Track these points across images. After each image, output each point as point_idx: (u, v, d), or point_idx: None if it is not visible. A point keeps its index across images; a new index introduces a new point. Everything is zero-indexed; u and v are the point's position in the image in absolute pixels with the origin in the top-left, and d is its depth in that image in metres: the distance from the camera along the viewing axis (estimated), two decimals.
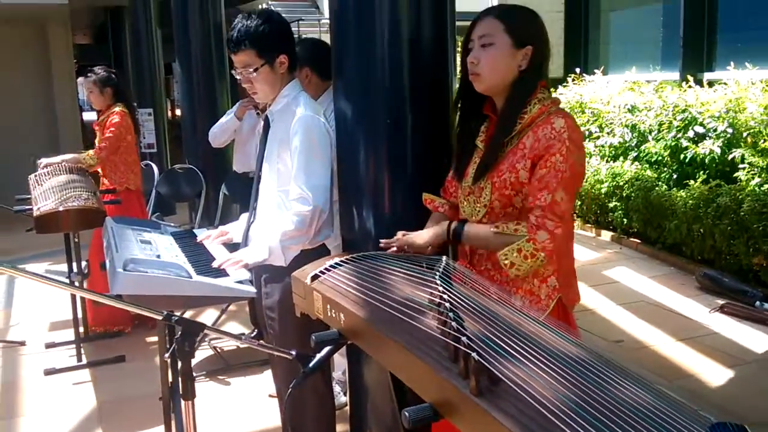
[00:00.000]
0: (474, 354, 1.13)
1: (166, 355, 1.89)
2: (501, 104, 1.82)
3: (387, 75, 2.18)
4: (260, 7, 14.64)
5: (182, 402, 1.69)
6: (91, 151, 4.26)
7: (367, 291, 1.55)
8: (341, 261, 1.84)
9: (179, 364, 1.57)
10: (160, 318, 1.42)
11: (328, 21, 14.79)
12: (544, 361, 1.15)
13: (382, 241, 1.97)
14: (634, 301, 4.63)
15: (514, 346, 1.20)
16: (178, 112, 20.52)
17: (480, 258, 1.90)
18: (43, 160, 4.16)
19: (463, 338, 1.18)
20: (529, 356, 1.16)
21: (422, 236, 1.89)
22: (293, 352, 1.63)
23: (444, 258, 1.70)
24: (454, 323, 1.25)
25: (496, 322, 1.30)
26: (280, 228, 2.19)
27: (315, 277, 1.77)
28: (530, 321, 1.34)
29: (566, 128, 1.70)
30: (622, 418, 0.99)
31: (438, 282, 1.47)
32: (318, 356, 1.63)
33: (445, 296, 1.38)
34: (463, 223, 1.85)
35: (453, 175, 1.99)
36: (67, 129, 10.31)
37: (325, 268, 1.79)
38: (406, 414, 1.22)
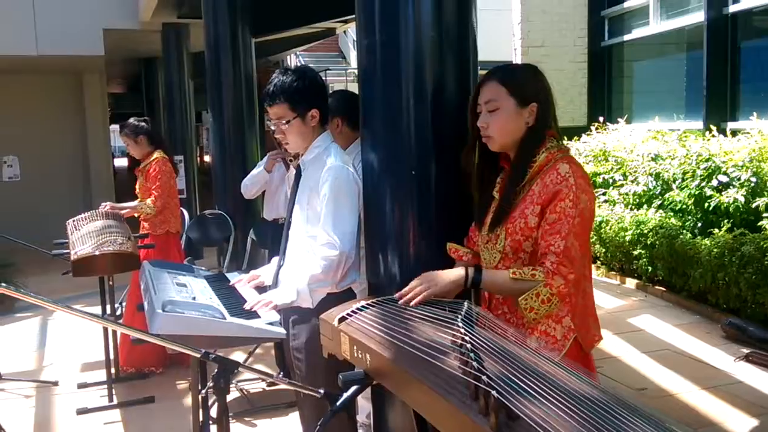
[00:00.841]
0: (494, 392, 1.20)
1: (203, 391, 1.97)
2: (513, 157, 1.92)
3: (412, 127, 2.28)
4: (289, 57, 15.09)
5: None
6: (149, 201, 4.42)
7: (392, 333, 1.63)
8: (367, 304, 1.92)
9: (212, 401, 1.65)
10: (198, 356, 1.51)
11: (354, 71, 15.17)
12: (560, 399, 1.21)
13: (400, 293, 1.89)
14: (659, 350, 4.61)
15: (532, 385, 1.26)
16: (206, 158, 21.00)
17: (497, 302, 1.98)
18: (108, 204, 4.36)
19: (484, 377, 1.25)
20: (545, 395, 1.23)
21: (441, 283, 1.86)
22: (321, 391, 1.70)
23: (466, 302, 1.78)
24: (475, 363, 1.32)
25: (515, 362, 1.37)
26: (308, 271, 2.29)
27: (342, 319, 1.85)
28: (547, 361, 1.40)
29: (571, 173, 1.79)
30: None
31: (460, 324, 1.55)
32: (345, 395, 1.70)
33: (466, 338, 1.46)
34: (480, 270, 1.86)
35: (475, 225, 2.08)
36: (99, 174, 10.64)
37: (352, 311, 1.88)
38: None
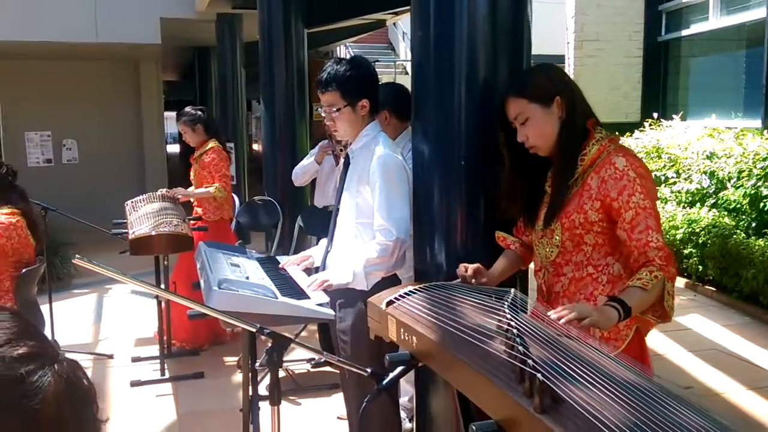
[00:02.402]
0: (539, 375, 1.24)
1: (255, 365, 2.06)
2: (558, 152, 1.94)
3: (462, 118, 2.31)
4: (339, 48, 15.18)
5: (261, 411, 1.84)
6: (216, 184, 4.54)
7: (438, 316, 1.67)
8: (414, 289, 1.97)
9: (260, 377, 1.73)
10: (254, 330, 1.58)
11: (403, 63, 15.17)
12: (604, 384, 1.24)
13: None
14: (707, 349, 4.54)
15: (576, 370, 1.29)
16: (255, 146, 21.32)
17: (556, 296, 1.99)
18: (180, 190, 4.49)
19: (529, 361, 1.29)
20: (590, 380, 1.26)
21: (600, 323, 1.65)
22: (369, 370, 1.76)
23: (512, 290, 1.81)
24: (520, 347, 1.35)
25: (560, 348, 1.40)
26: (364, 255, 2.36)
27: (390, 303, 1.90)
28: (591, 349, 1.43)
29: (629, 165, 1.81)
30: None
31: (506, 310, 1.59)
32: (391, 375, 1.76)
33: (512, 323, 1.49)
34: (623, 302, 1.70)
35: (524, 218, 2.10)
36: (153, 159, 10.94)
37: (400, 295, 1.93)
38: (473, 428, 1.33)
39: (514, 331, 1.45)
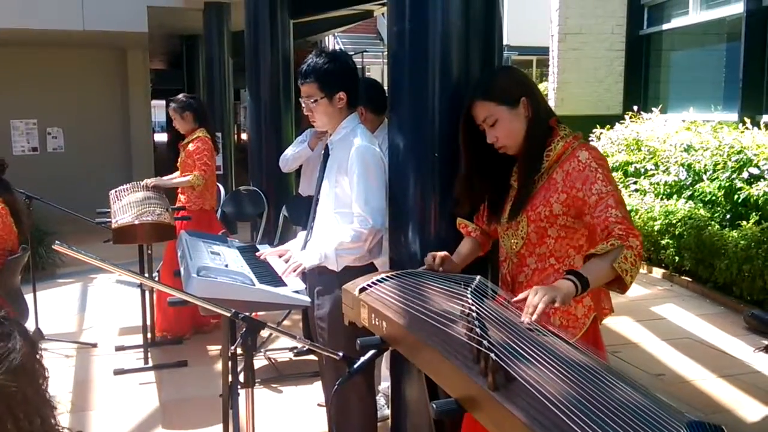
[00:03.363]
0: (492, 355, 1.32)
1: (231, 348, 2.13)
2: (524, 149, 2.02)
3: (436, 112, 2.39)
4: (326, 38, 15.18)
5: (241, 396, 1.91)
6: (196, 172, 4.58)
7: (407, 302, 1.76)
8: (387, 276, 2.06)
9: (239, 361, 1.80)
10: (229, 315, 1.65)
11: None
12: (554, 364, 1.33)
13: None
14: (680, 338, 4.66)
15: (529, 351, 1.38)
16: (243, 136, 21.27)
17: (519, 286, 2.08)
18: (153, 180, 4.55)
19: (485, 342, 1.38)
20: (541, 360, 1.35)
21: (557, 298, 1.66)
22: (340, 354, 1.84)
23: (478, 277, 1.89)
24: (478, 330, 1.44)
25: (517, 331, 1.49)
26: (338, 238, 2.45)
27: (363, 290, 1.99)
28: (547, 333, 1.52)
29: (591, 158, 1.90)
30: (615, 413, 1.16)
31: (469, 296, 1.67)
32: (362, 358, 1.84)
33: (473, 308, 1.58)
34: (580, 274, 1.74)
35: (488, 212, 2.17)
36: (140, 148, 10.93)
37: (372, 282, 2.01)
38: (434, 406, 1.42)
39: (474, 315, 1.54)
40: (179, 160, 4.82)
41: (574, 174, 1.92)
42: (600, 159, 1.94)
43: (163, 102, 17.09)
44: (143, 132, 11.11)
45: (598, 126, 7.96)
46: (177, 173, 4.80)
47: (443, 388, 1.49)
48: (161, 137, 19.66)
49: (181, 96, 4.79)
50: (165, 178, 4.79)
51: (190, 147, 4.65)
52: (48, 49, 9.76)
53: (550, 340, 1.49)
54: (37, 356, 1.03)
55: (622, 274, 1.75)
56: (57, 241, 1.45)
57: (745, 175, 5.62)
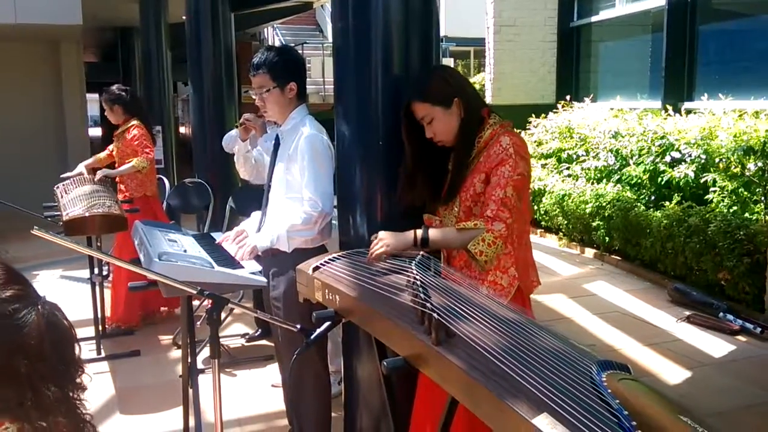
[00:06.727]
0: (435, 315, 1.51)
1: (198, 324, 2.26)
2: (457, 141, 2.24)
3: (380, 103, 2.56)
4: (266, 30, 15.15)
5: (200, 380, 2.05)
6: (141, 157, 4.63)
7: (358, 278, 1.94)
8: (338, 256, 2.24)
9: (200, 348, 1.94)
10: (195, 292, 1.80)
11: (331, 45, 15.28)
12: (488, 321, 1.53)
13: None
14: (609, 312, 5.00)
15: (467, 311, 1.58)
16: (182, 129, 20.97)
17: (454, 259, 2.29)
18: (102, 171, 4.58)
19: (428, 304, 1.57)
20: (477, 318, 1.55)
21: (393, 243, 2.13)
22: (298, 326, 2.00)
23: (421, 253, 2.09)
24: (422, 295, 1.63)
25: (456, 296, 1.69)
26: (290, 221, 2.61)
27: (316, 269, 2.16)
28: (481, 295, 1.72)
29: (511, 144, 2.12)
30: (539, 356, 1.37)
31: (413, 267, 1.86)
32: (318, 330, 2.01)
33: (417, 277, 1.77)
34: (427, 229, 2.16)
35: (431, 196, 2.37)
36: (75, 142, 10.73)
37: (324, 261, 2.19)
38: (384, 363, 1.60)
39: (419, 283, 1.73)
40: (114, 149, 4.84)
41: (492, 156, 2.14)
42: (519, 146, 2.15)
43: (98, 96, 16.65)
44: (78, 125, 10.93)
45: (533, 115, 8.31)
46: (116, 164, 4.81)
47: (393, 349, 1.68)
48: (95, 132, 19.16)
49: (114, 87, 4.82)
50: (108, 170, 4.79)
51: (128, 136, 4.70)
52: None
53: (485, 301, 1.69)
54: (56, 324, 1.14)
55: (476, 254, 2.06)
56: (36, 227, 1.56)
57: (667, 159, 6.02)
